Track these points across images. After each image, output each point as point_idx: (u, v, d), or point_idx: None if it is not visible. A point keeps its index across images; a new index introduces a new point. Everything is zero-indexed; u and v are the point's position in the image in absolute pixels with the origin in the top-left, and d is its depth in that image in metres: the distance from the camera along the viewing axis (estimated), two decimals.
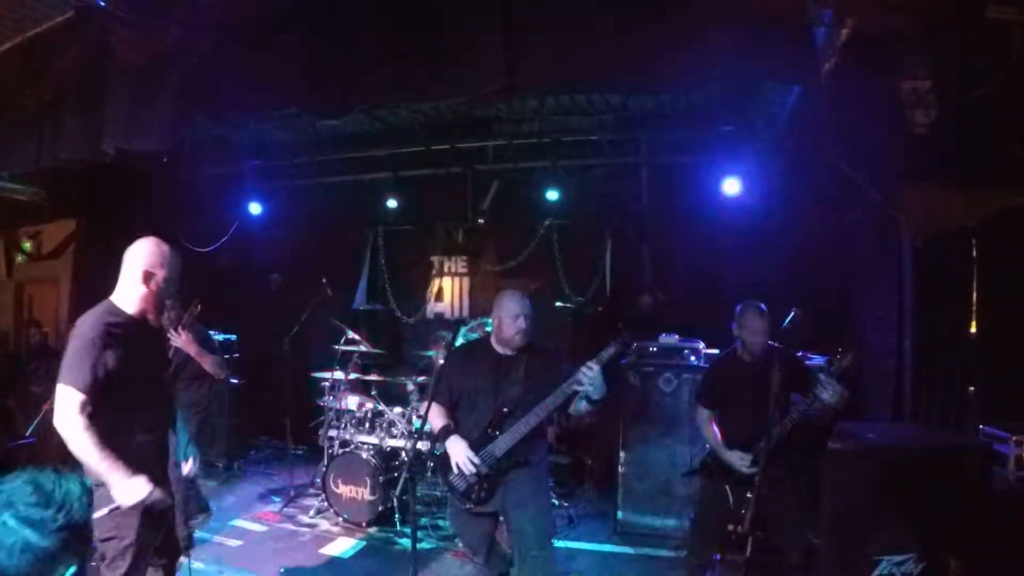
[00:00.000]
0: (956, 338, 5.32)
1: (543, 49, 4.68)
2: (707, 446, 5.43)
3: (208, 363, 6.09)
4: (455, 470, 4.64)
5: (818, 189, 6.64)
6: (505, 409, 4.64)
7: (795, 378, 4.88)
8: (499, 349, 4.82)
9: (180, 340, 5.90)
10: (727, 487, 5.05)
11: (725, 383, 5.30)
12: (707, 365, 6.48)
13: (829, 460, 4.28)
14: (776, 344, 5.09)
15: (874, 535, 4.17)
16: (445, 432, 4.77)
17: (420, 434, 6.35)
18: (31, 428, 5.83)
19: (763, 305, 5.11)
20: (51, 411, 5.69)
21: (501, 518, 4.97)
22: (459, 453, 4.61)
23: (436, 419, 4.90)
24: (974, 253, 5.04)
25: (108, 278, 9.04)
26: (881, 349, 6.16)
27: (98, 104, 5.48)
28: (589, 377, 4.33)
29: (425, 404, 4.89)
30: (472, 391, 4.85)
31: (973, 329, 5.10)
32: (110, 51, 5.29)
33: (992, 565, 3.97)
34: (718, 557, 5.29)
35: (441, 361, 6.10)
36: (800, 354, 5.74)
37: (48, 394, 6.19)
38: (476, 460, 4.56)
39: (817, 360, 5.46)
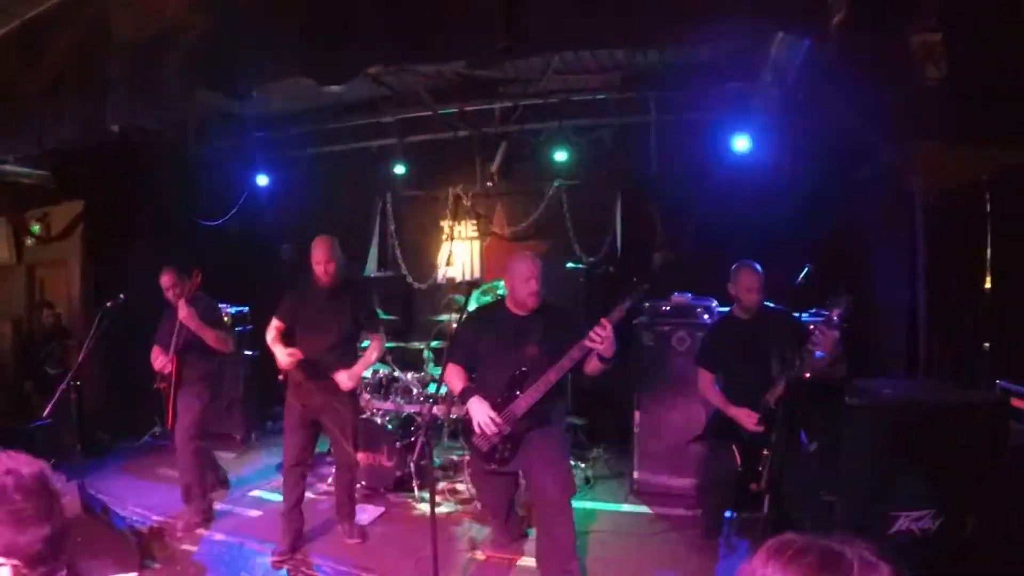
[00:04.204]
0: (970, 294, 5.28)
1: (546, 6, 4.61)
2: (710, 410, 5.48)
3: (210, 338, 6.13)
4: (477, 431, 4.71)
5: (829, 145, 6.57)
6: (523, 369, 4.71)
7: (793, 335, 4.89)
8: (514, 311, 4.92)
9: (182, 314, 5.94)
10: (734, 447, 5.08)
11: (724, 344, 5.39)
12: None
13: (846, 416, 4.27)
14: (772, 304, 5.13)
15: (891, 491, 4.16)
16: (466, 393, 4.85)
17: (436, 399, 6.38)
18: (47, 410, 5.87)
19: (758, 264, 5.15)
20: (68, 391, 5.82)
21: (522, 478, 5.04)
22: (481, 414, 4.69)
23: (455, 381, 4.99)
24: (987, 208, 4.98)
25: (118, 257, 9.08)
26: (895, 306, 6.12)
27: (99, 84, 5.43)
28: (600, 336, 4.36)
29: (442, 368, 4.94)
30: (489, 353, 4.96)
31: (987, 285, 5.05)
32: (109, 30, 5.24)
33: (1008, 520, 3.97)
34: (732, 515, 5.31)
35: (455, 325, 6.15)
36: (813, 311, 5.74)
37: (63, 375, 6.27)
38: (498, 420, 4.64)
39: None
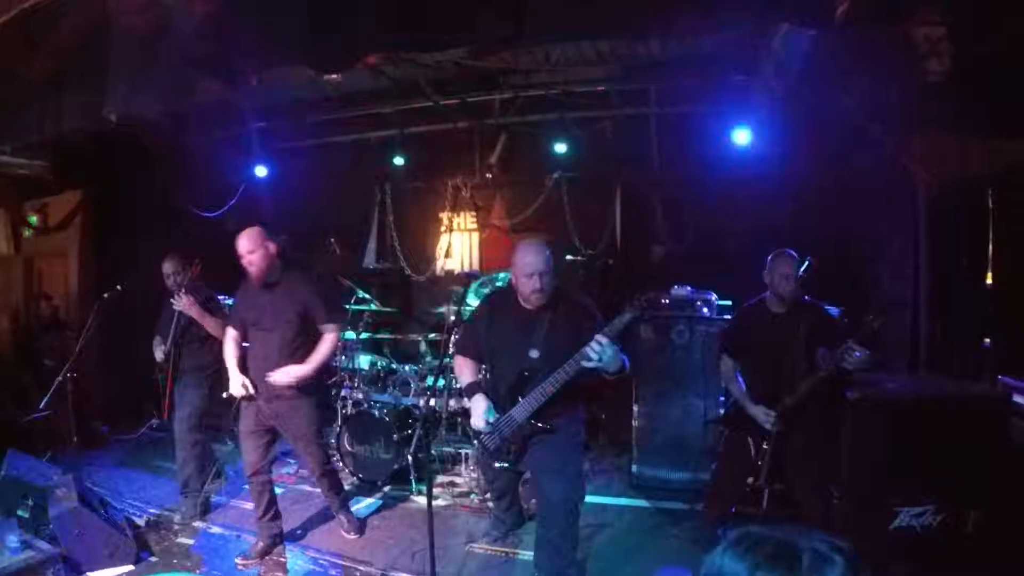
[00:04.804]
0: (972, 289, 5.26)
1: None
2: (722, 398, 5.40)
3: (211, 325, 6.09)
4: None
5: (831, 138, 6.53)
6: (525, 373, 4.46)
7: (824, 333, 4.82)
8: (523, 304, 4.58)
9: (182, 303, 5.90)
10: (750, 439, 5.02)
11: (752, 334, 5.22)
12: (726, 316, 6.47)
13: (849, 410, 4.26)
14: (808, 298, 5.04)
15: (893, 485, 4.16)
16: (471, 389, 4.67)
17: (433, 391, 6.33)
18: (44, 401, 5.86)
19: (795, 253, 5.05)
20: (65, 383, 5.80)
21: (528, 476, 4.91)
22: (478, 415, 4.50)
23: (463, 373, 4.84)
24: (990, 203, 4.96)
25: (116, 247, 9.05)
26: (896, 300, 6.10)
27: (99, 72, 5.41)
28: (597, 351, 4.06)
29: (452, 358, 4.78)
30: (497, 347, 4.72)
31: (989, 280, 5.03)
32: (109, 17, 5.20)
33: (1009, 515, 3.96)
34: (732, 510, 5.28)
35: (453, 318, 6.03)
36: None
37: (61, 367, 6.25)
38: (490, 427, 4.47)
39: (832, 311, 5.39)
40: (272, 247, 5.32)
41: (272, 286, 5.37)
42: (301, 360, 5.29)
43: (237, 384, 5.33)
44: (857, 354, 4.38)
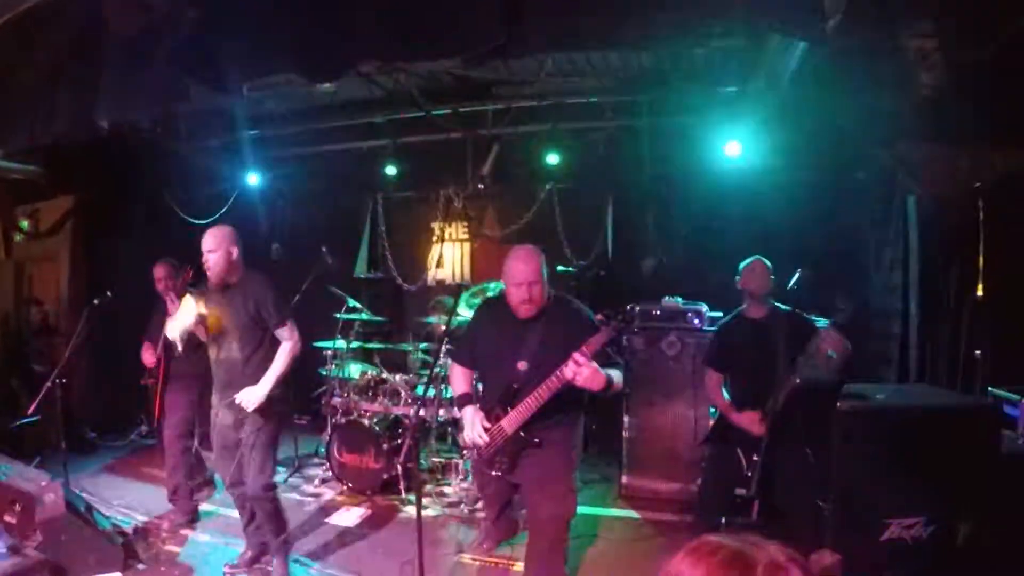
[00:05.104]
0: (962, 300, 5.27)
1: (541, 5, 4.58)
2: (712, 410, 5.41)
3: (202, 332, 6.03)
4: (469, 443, 4.50)
5: (823, 149, 6.56)
6: (514, 385, 4.34)
7: (803, 338, 4.84)
8: (514, 314, 4.41)
9: (173, 309, 5.85)
10: (739, 451, 5.02)
11: (733, 344, 5.27)
12: (712, 328, 6.46)
13: (838, 421, 4.25)
14: (782, 306, 5.07)
15: (883, 497, 4.14)
16: (462, 400, 4.63)
17: (424, 400, 6.31)
18: (32, 406, 5.83)
19: (766, 260, 5.10)
20: (54, 388, 5.77)
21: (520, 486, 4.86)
22: (470, 427, 4.44)
23: (457, 383, 4.77)
24: (980, 215, 4.97)
25: (107, 253, 9.02)
26: (887, 311, 6.12)
27: (92, 78, 5.38)
28: (573, 370, 3.97)
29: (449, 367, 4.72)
30: (490, 356, 4.62)
31: (979, 291, 5.05)
32: (103, 23, 5.19)
33: (1001, 528, 3.95)
34: (722, 521, 5.27)
35: (443, 328, 5.99)
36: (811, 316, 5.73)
37: (50, 372, 6.23)
38: (486, 438, 4.39)
39: (820, 322, 5.42)
40: (235, 251, 5.12)
41: (228, 289, 5.16)
42: (263, 365, 5.07)
43: (176, 329, 5.18)
44: (828, 340, 4.43)
